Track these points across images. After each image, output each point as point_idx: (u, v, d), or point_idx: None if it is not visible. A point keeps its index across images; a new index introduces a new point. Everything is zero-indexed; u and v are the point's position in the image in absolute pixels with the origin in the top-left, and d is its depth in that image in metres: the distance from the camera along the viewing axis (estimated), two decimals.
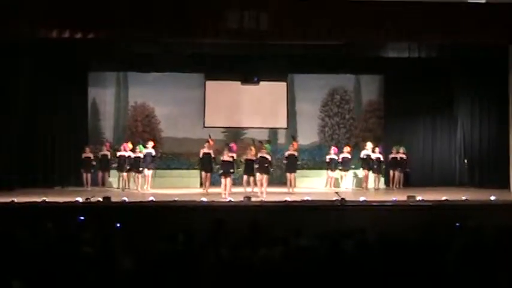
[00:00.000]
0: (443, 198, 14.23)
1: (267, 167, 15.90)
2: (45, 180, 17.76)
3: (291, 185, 16.61)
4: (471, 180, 18.38)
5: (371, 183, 18.03)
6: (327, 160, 18.11)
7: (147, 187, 17.08)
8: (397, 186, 18.00)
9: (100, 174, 17.60)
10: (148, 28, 14.30)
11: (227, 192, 15.52)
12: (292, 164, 16.79)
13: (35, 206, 12.91)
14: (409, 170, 18.41)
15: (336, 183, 18.07)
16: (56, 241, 7.36)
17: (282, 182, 17.25)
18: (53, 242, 7.29)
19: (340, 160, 17.90)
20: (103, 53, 17.30)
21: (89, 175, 17.30)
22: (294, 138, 17.80)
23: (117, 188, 17.11)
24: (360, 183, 18.31)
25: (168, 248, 6.53)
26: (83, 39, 14.45)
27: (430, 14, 14.45)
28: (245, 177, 16.31)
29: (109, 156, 17.72)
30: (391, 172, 18.16)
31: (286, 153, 16.93)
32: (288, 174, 16.74)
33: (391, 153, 18.15)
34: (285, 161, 17.04)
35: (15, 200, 13.40)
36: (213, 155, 16.46)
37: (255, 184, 16.13)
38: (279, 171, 17.90)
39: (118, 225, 9.73)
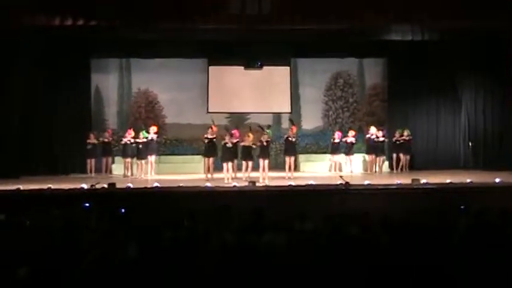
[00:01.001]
0: (448, 181, 14.25)
1: (267, 150, 15.90)
2: (49, 167, 17.83)
3: (290, 169, 16.49)
4: (476, 163, 18.34)
5: (375, 167, 18.02)
6: (332, 143, 18.05)
7: (151, 173, 17.10)
8: (403, 169, 17.97)
9: (104, 160, 17.60)
10: (149, 14, 14.27)
11: (230, 177, 15.54)
12: (291, 148, 16.66)
13: (41, 194, 12.95)
14: (411, 154, 18.32)
15: (340, 168, 18.04)
16: (62, 228, 7.40)
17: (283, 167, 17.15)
18: (59, 229, 7.33)
19: (345, 143, 17.84)
20: (105, 39, 17.31)
21: (93, 161, 17.31)
22: (292, 122, 17.75)
23: (123, 175, 17.07)
24: (365, 167, 18.31)
25: (172, 234, 6.56)
26: (85, 26, 14.43)
27: None
28: (244, 163, 16.20)
29: (111, 143, 17.71)
30: (395, 155, 18.12)
31: (285, 137, 16.86)
32: (287, 158, 16.61)
33: (395, 136, 18.09)
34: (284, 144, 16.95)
35: (21, 187, 13.45)
36: (215, 141, 16.39)
37: (253, 169, 16.06)
38: (282, 156, 17.81)
39: (122, 210, 9.78)
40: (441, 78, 18.90)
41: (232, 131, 16.80)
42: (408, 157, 18.13)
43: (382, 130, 18.09)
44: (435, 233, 6.65)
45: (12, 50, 16.37)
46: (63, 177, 16.89)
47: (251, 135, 16.25)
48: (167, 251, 5.73)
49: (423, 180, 14.22)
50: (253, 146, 16.05)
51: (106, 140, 17.62)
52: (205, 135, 16.39)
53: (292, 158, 16.61)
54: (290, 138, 16.59)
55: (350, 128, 18.64)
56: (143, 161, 16.99)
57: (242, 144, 16.21)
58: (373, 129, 17.94)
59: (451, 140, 19.28)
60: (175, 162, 18.56)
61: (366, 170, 18.23)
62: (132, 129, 17.42)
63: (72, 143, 18.17)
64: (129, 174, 17.08)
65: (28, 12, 13.94)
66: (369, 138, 17.90)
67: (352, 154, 17.96)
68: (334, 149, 17.98)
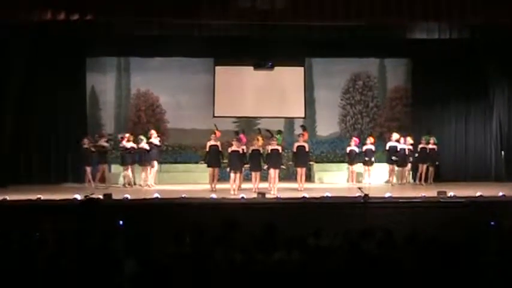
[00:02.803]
0: (478, 194, 14.18)
1: (277, 160, 15.83)
2: (40, 176, 17.79)
3: (301, 180, 16.31)
4: (508, 174, 18.28)
5: (397, 178, 17.97)
6: (347, 152, 18.00)
7: (153, 182, 17.09)
8: (428, 181, 17.90)
9: (100, 168, 17.40)
10: (151, 8, 14.27)
11: (236, 187, 15.52)
12: (302, 157, 16.43)
13: (30, 205, 12.96)
14: (438, 163, 18.26)
15: (359, 178, 17.99)
16: (52, 242, 7.40)
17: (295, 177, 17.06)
18: (49, 244, 7.34)
19: (363, 152, 17.79)
20: (102, 36, 17.27)
21: (90, 168, 17.10)
22: (304, 127, 17.70)
23: (123, 185, 17.03)
24: (386, 177, 18.25)
25: (174, 250, 6.55)
26: (79, 21, 14.45)
27: None
28: (252, 172, 16.12)
29: (107, 149, 17.50)
30: (420, 165, 18.04)
31: (296, 145, 16.53)
32: (297, 169, 16.45)
33: (420, 144, 17.99)
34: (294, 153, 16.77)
35: (7, 197, 13.47)
36: (220, 148, 16.30)
37: (261, 179, 16.04)
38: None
39: (121, 222, 9.78)
40: (471, 81, 18.85)
41: (239, 135, 16.73)
42: (432, 168, 18.04)
43: (405, 137, 17.99)
44: (463, 251, 6.61)
45: (2, 49, 16.40)
46: (55, 186, 16.87)
47: (260, 139, 16.21)
48: (168, 269, 5.73)
49: (450, 193, 14.17)
50: (261, 150, 15.97)
51: (101, 144, 17.32)
52: (209, 142, 16.25)
53: (304, 169, 16.43)
54: (301, 146, 16.45)
55: (369, 135, 18.59)
56: (147, 168, 16.95)
57: (251, 148, 16.10)
58: (395, 136, 17.85)
59: (482, 149, 19.20)
60: (177, 171, 18.57)
61: (384, 180, 18.16)
62: (131, 134, 17.37)
63: (65, 150, 18.17)
64: (128, 183, 17.02)
65: (17, 6, 13.94)
66: (391, 146, 17.80)
67: (371, 164, 17.89)
68: (351, 157, 17.91)
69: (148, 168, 16.98)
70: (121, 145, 17.13)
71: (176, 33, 16.79)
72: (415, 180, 18.20)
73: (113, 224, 9.81)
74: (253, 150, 15.99)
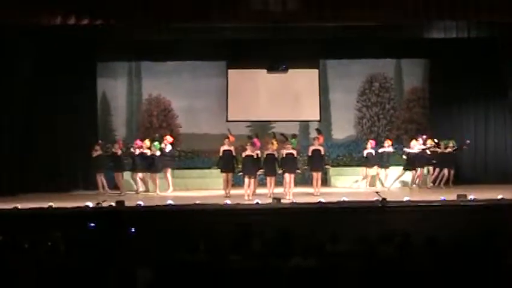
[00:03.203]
0: (499, 197, 14.08)
1: (291, 163, 15.82)
2: (50, 184, 17.77)
3: (316, 185, 16.28)
4: None
5: (418, 181, 17.90)
6: (364, 155, 17.96)
7: (170, 189, 17.15)
8: (448, 184, 17.80)
9: (116, 175, 17.26)
10: (162, 12, 14.30)
11: (251, 193, 15.51)
12: (318, 161, 16.37)
13: (41, 213, 13.01)
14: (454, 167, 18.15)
15: (374, 182, 17.93)
16: (64, 251, 7.42)
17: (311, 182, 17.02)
18: (61, 253, 7.36)
19: (382, 154, 17.72)
20: (113, 40, 17.36)
21: (101, 176, 17.08)
22: (319, 131, 17.60)
23: (136, 191, 17.07)
24: (403, 181, 18.20)
25: (189, 257, 6.55)
26: (90, 26, 14.51)
27: None
28: (268, 177, 16.11)
29: (122, 156, 17.32)
30: (439, 169, 17.93)
31: (311, 149, 16.49)
32: (313, 173, 16.40)
33: (439, 148, 17.88)
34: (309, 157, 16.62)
35: (19, 206, 13.52)
36: (234, 153, 16.31)
37: (276, 184, 16.01)
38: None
39: (133, 229, 9.80)
40: (490, 81, 18.68)
41: (253, 140, 16.70)
42: (452, 171, 17.95)
43: (424, 139, 17.87)
44: (485, 256, 6.57)
45: (11, 53, 16.49)
46: (66, 194, 16.91)
47: (275, 143, 16.18)
48: (183, 276, 5.72)
49: (470, 196, 14.08)
50: (276, 155, 15.96)
51: (116, 151, 17.20)
52: (222, 147, 16.26)
53: (319, 173, 16.40)
54: (316, 149, 16.43)
55: (386, 138, 18.51)
56: (157, 176, 16.99)
57: (266, 153, 16.08)
58: (414, 143, 17.68)
59: (502, 150, 19.06)
60: (191, 177, 18.56)
61: (402, 184, 18.07)
62: (147, 140, 17.35)
63: (76, 157, 18.17)
64: (141, 189, 17.07)
65: (28, 10, 14.01)
66: (410, 152, 17.69)
67: (388, 167, 17.84)
68: (368, 160, 17.85)
69: (159, 175, 16.98)
70: (132, 151, 17.16)
71: (188, 37, 16.80)
72: (434, 184, 18.08)
73: (126, 231, 9.83)
74: (267, 154, 15.97)
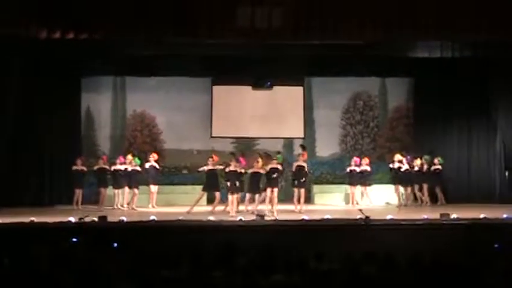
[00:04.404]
0: (482, 216, 14.13)
1: (276, 178, 15.83)
2: (33, 198, 17.68)
3: (299, 202, 16.28)
4: None
5: (401, 199, 18.01)
6: (348, 171, 18.01)
7: (153, 204, 17.15)
8: (438, 202, 17.88)
9: (100, 191, 17.19)
10: (148, 27, 14.29)
11: (235, 209, 15.51)
12: (301, 178, 16.50)
13: (22, 227, 12.93)
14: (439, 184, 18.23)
15: (357, 200, 17.99)
16: (46, 267, 7.38)
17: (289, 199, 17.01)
18: (43, 268, 7.31)
19: (358, 172, 17.80)
20: (98, 55, 17.32)
21: (80, 191, 17.05)
22: (303, 147, 17.63)
23: (120, 207, 17.00)
24: (386, 199, 18.25)
25: (171, 273, 6.54)
26: (75, 40, 14.48)
27: (464, 7, 14.34)
28: (247, 194, 16.17)
29: (107, 171, 17.30)
30: (424, 186, 17.98)
31: (295, 165, 16.61)
32: (295, 190, 16.42)
33: (422, 164, 17.98)
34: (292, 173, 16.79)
35: (0, 220, 13.44)
36: (217, 171, 16.38)
37: (261, 201, 16.01)
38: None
39: (115, 244, 9.77)
40: (474, 99, 18.87)
41: (239, 158, 16.71)
42: (439, 188, 18.03)
43: (406, 157, 18.00)
44: (467, 275, 6.60)
45: None
46: (48, 209, 16.81)
47: (260, 161, 16.21)
48: None
49: (453, 215, 14.11)
50: (262, 172, 15.99)
51: (100, 166, 17.21)
52: (206, 167, 16.31)
53: (302, 190, 16.39)
54: (300, 166, 16.48)
55: (365, 155, 18.55)
56: (136, 191, 16.97)
57: (251, 171, 16.12)
58: (397, 157, 17.86)
59: (485, 169, 19.15)
60: (174, 192, 18.50)
61: (387, 202, 18.12)
62: (130, 155, 17.34)
63: (59, 171, 18.11)
64: (122, 206, 17.01)
65: (11, 24, 13.95)
66: (394, 168, 17.82)
67: (369, 185, 17.92)
68: (352, 178, 17.91)
69: (134, 190, 16.99)
70: (114, 167, 17.12)
71: (173, 52, 16.82)
72: (416, 201, 18.11)
73: (108, 247, 9.79)
74: (252, 172, 16.02)
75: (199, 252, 7.68)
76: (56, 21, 14.08)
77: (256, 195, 16.00)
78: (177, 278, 6.31)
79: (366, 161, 18.02)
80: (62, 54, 16.63)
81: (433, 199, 18.01)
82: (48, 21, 14.05)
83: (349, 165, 18.02)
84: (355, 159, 18.11)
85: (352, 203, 17.81)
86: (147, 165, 17.24)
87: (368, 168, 17.88)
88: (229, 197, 15.64)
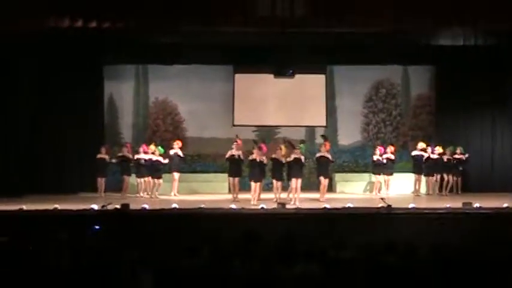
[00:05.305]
0: (505, 205, 14.03)
1: (299, 168, 15.82)
2: (57, 185, 17.78)
3: (323, 191, 16.35)
4: None
5: (423, 188, 17.89)
6: (373, 160, 17.93)
7: (175, 192, 17.17)
8: (455, 191, 17.75)
9: (125, 178, 17.27)
10: (169, 16, 14.30)
11: (257, 197, 15.51)
12: (324, 167, 16.52)
13: (46, 215, 13.02)
14: (462, 173, 18.08)
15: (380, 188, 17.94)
16: (69, 254, 7.41)
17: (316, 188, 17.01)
18: (66, 255, 7.34)
19: (384, 161, 17.72)
20: (120, 43, 17.35)
21: (103, 179, 17.26)
22: (325, 137, 17.55)
23: (143, 195, 17.07)
24: (409, 187, 18.15)
25: (192, 262, 6.52)
26: (97, 29, 14.52)
27: None
28: (274, 181, 16.18)
29: (131, 159, 17.37)
30: (445, 175, 17.88)
31: (317, 155, 16.65)
32: (320, 179, 16.47)
33: (445, 154, 17.85)
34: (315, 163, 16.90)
35: (24, 207, 13.54)
36: (242, 157, 16.39)
37: (283, 189, 16.05)
38: (315, 176, 17.59)
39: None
40: (497, 88, 18.67)
41: (260, 145, 16.69)
42: (459, 178, 17.91)
43: (430, 146, 17.87)
44: (490, 265, 6.53)
45: (18, 56, 16.54)
46: (71, 196, 16.92)
47: (283, 148, 16.19)
48: (185, 281, 5.70)
49: (476, 204, 14.03)
50: (283, 161, 15.99)
51: (124, 154, 17.33)
52: (230, 152, 16.34)
53: (326, 180, 16.45)
54: (323, 156, 16.47)
55: (390, 144, 18.46)
56: (159, 181, 17.01)
57: (273, 156, 16.11)
58: (421, 145, 17.77)
59: (509, 158, 18.99)
60: (196, 180, 18.55)
61: (413, 191, 18.01)
62: (153, 144, 17.39)
63: (82, 159, 18.21)
64: (145, 194, 17.06)
65: (35, 14, 14.03)
66: (417, 155, 17.71)
67: (392, 173, 17.81)
68: (375, 167, 17.83)
69: (156, 181, 17.04)
70: (137, 156, 17.17)
71: (195, 41, 16.81)
72: (440, 191, 18.02)
73: (129, 235, 9.82)
74: (274, 159, 16.02)
75: (219, 240, 7.66)
76: (79, 10, 14.13)
77: (279, 182, 15.97)
78: (196, 266, 6.30)
79: (391, 149, 17.94)
80: (85, 43, 16.68)
81: (451, 188, 17.86)
82: (70, 10, 14.11)
83: (374, 153, 17.91)
84: (380, 148, 18.00)
85: (378, 191, 17.71)
86: (171, 152, 17.25)
87: (392, 157, 17.76)
88: (252, 184, 15.64)
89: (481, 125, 19.17)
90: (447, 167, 17.81)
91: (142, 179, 17.16)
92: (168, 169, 17.34)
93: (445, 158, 17.76)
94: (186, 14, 14.28)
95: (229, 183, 16.80)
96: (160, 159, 17.05)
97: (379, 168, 17.83)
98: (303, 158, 15.97)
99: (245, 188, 16.59)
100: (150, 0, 14.31)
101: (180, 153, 17.38)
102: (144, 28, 15.39)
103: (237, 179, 16.40)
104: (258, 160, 15.81)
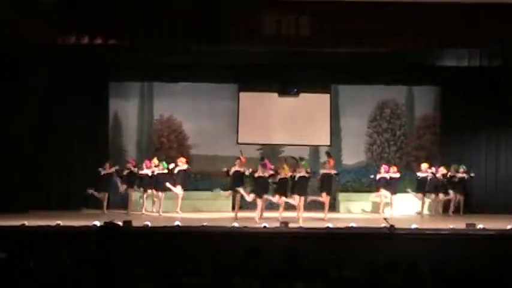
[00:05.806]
0: (509, 227, 13.97)
1: (304, 186, 15.81)
2: (61, 201, 17.83)
3: (326, 208, 16.37)
4: None
5: (427, 209, 17.88)
6: (377, 179, 17.85)
7: (177, 210, 17.16)
8: (458, 211, 17.69)
9: (129, 194, 17.30)
10: (176, 34, 14.37)
11: (259, 216, 15.50)
12: (328, 185, 16.57)
13: (48, 231, 13.00)
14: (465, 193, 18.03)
15: (381, 208, 17.86)
16: (71, 270, 7.39)
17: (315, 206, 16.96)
18: (68, 271, 7.32)
19: (388, 178, 17.64)
20: (126, 61, 17.44)
21: (106, 195, 17.26)
22: (329, 154, 17.54)
23: (147, 212, 17.07)
24: (412, 207, 18.10)
25: (193, 280, 6.51)
26: (103, 46, 14.58)
27: (491, 16, 14.23)
28: (277, 197, 16.09)
29: (136, 174, 17.29)
30: (450, 192, 17.78)
31: (321, 172, 16.71)
32: (322, 195, 16.47)
33: (449, 173, 17.81)
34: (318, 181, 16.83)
35: (26, 223, 13.53)
36: (246, 173, 16.28)
37: (284, 208, 15.98)
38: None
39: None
40: (502, 109, 18.66)
41: (263, 161, 16.64)
42: (462, 198, 17.87)
43: (436, 167, 17.81)
44: (493, 285, 6.51)
45: (23, 72, 16.60)
46: (75, 212, 16.91)
47: (286, 167, 16.18)
48: None
49: (479, 225, 13.97)
50: (288, 178, 15.97)
51: (130, 170, 17.25)
52: (233, 168, 16.26)
53: (329, 197, 16.48)
54: (327, 173, 16.47)
55: (394, 164, 18.39)
56: (161, 195, 17.04)
57: (279, 177, 16.01)
58: (424, 166, 17.71)
59: None
60: (200, 198, 18.51)
61: (418, 212, 17.94)
62: (155, 159, 17.43)
63: (87, 175, 18.19)
64: (150, 210, 17.07)
65: (40, 29, 14.09)
66: (422, 177, 17.65)
67: (395, 193, 17.73)
68: (379, 182, 17.72)
69: (159, 194, 17.09)
70: (140, 171, 17.17)
71: (200, 59, 16.88)
72: (445, 211, 17.93)
73: (132, 252, 9.78)
74: (280, 178, 15.98)
75: (221, 258, 7.65)
76: (84, 27, 14.19)
77: (282, 200, 15.93)
78: (198, 285, 6.28)
79: (393, 169, 17.87)
80: (90, 60, 16.76)
81: (455, 209, 17.81)
82: (76, 27, 14.17)
83: (378, 172, 17.84)
84: (384, 166, 17.94)
85: (383, 209, 17.64)
86: (175, 169, 17.22)
87: (397, 175, 17.68)
88: (258, 201, 15.62)
89: (486, 146, 19.14)
90: (451, 184, 17.74)
91: (146, 194, 17.13)
92: (173, 184, 17.27)
93: (449, 174, 17.71)
94: (192, 33, 14.33)
95: (233, 200, 16.76)
96: (164, 172, 17.04)
97: (383, 184, 17.69)
98: (307, 175, 15.92)
99: (247, 206, 16.53)
100: (156, 18, 14.36)
101: (185, 167, 17.30)
102: (150, 46, 15.46)
103: (238, 195, 16.24)
104: (262, 176, 15.79)
